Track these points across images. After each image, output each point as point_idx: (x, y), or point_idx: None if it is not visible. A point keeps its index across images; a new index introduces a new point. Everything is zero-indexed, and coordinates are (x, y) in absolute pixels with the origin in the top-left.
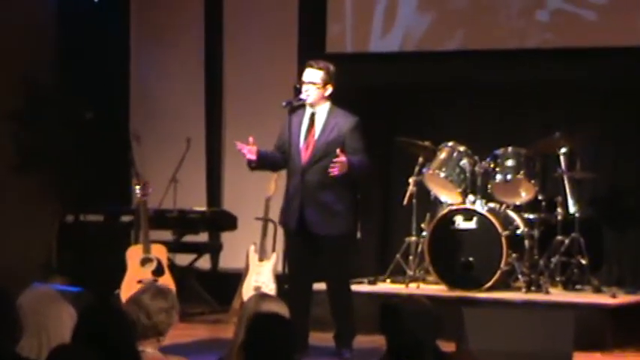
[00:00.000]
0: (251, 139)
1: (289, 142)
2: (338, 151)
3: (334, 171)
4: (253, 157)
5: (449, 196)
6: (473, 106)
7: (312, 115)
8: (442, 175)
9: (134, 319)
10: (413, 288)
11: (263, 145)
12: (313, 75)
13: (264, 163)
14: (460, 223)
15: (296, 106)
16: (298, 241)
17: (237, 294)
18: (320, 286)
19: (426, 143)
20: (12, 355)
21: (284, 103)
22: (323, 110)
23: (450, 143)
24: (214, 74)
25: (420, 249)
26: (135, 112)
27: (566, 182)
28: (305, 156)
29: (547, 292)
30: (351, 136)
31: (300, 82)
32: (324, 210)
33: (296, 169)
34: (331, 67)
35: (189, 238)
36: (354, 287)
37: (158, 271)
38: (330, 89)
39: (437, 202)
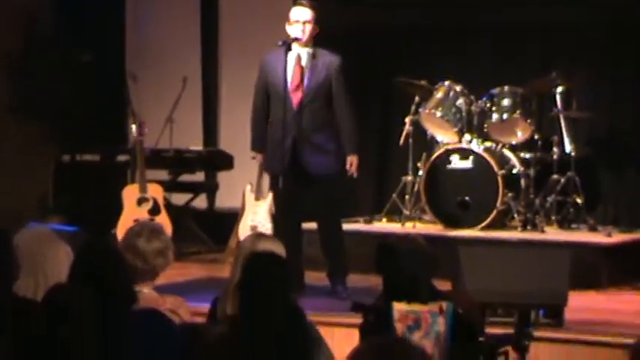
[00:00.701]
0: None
1: (283, 82)
2: (348, 165)
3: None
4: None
5: (445, 136)
6: (469, 45)
7: (298, 55)
8: (438, 114)
9: (132, 265)
10: (409, 227)
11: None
12: (307, 13)
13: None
14: (456, 162)
15: (291, 45)
16: (290, 181)
17: (234, 233)
18: (312, 225)
19: (422, 83)
20: (9, 294)
21: (280, 42)
22: (309, 51)
23: (447, 83)
24: (210, 13)
25: (416, 188)
26: (131, 52)
27: (562, 121)
28: (296, 98)
29: (543, 231)
30: (337, 77)
31: (290, 22)
32: (317, 150)
33: (286, 111)
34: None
35: (185, 178)
36: (350, 226)
37: (154, 211)
38: (317, 29)
39: (433, 142)
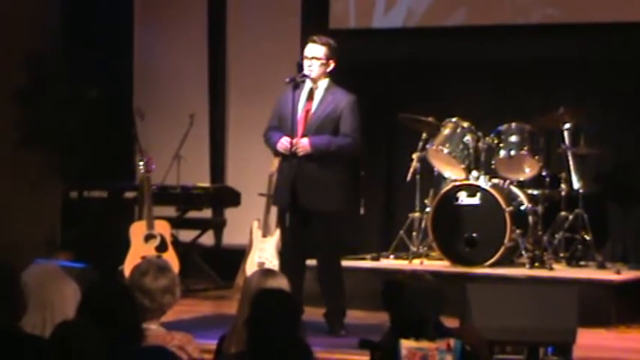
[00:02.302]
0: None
1: (290, 117)
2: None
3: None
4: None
5: (452, 172)
6: (476, 81)
7: (311, 90)
8: (446, 151)
9: (139, 303)
10: (416, 264)
11: (266, 121)
12: (316, 50)
13: None
14: (464, 198)
15: (299, 82)
16: (291, 217)
17: (241, 270)
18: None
19: (430, 119)
20: (16, 330)
21: (287, 80)
22: (322, 86)
23: (454, 119)
24: (218, 50)
25: (423, 225)
26: (139, 88)
27: (570, 158)
28: (300, 130)
29: (551, 268)
30: (346, 114)
31: (302, 58)
32: (316, 185)
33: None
34: (333, 43)
35: (192, 214)
36: (358, 263)
37: (161, 247)
38: (332, 65)
39: (440, 178)
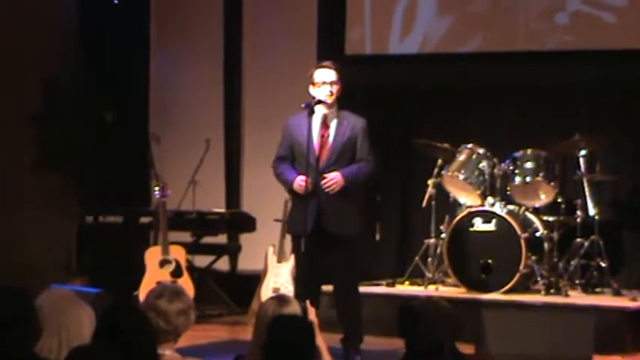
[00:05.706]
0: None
1: (306, 144)
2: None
3: (330, 190)
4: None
5: (468, 198)
6: (492, 108)
7: (325, 116)
8: (461, 177)
9: (154, 325)
10: (432, 290)
11: None
12: (332, 75)
13: None
14: (479, 225)
15: (314, 109)
16: (308, 243)
17: (256, 295)
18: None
19: (445, 145)
20: (30, 355)
21: (303, 105)
22: (334, 111)
23: (469, 145)
24: (234, 75)
25: (438, 251)
26: (154, 113)
27: (585, 184)
28: (321, 158)
29: (566, 295)
30: (362, 137)
31: (315, 84)
32: (339, 210)
33: (310, 171)
34: None
35: (208, 240)
36: (373, 289)
37: (177, 273)
38: (340, 90)
39: (456, 204)
